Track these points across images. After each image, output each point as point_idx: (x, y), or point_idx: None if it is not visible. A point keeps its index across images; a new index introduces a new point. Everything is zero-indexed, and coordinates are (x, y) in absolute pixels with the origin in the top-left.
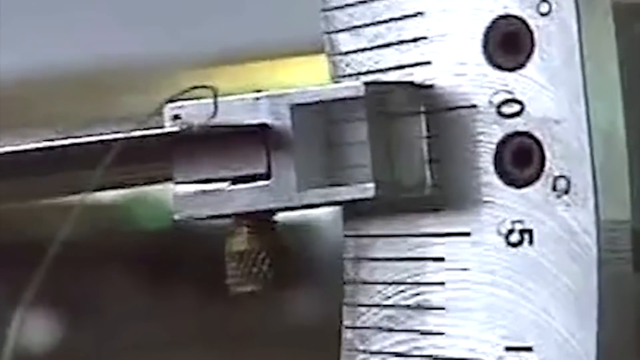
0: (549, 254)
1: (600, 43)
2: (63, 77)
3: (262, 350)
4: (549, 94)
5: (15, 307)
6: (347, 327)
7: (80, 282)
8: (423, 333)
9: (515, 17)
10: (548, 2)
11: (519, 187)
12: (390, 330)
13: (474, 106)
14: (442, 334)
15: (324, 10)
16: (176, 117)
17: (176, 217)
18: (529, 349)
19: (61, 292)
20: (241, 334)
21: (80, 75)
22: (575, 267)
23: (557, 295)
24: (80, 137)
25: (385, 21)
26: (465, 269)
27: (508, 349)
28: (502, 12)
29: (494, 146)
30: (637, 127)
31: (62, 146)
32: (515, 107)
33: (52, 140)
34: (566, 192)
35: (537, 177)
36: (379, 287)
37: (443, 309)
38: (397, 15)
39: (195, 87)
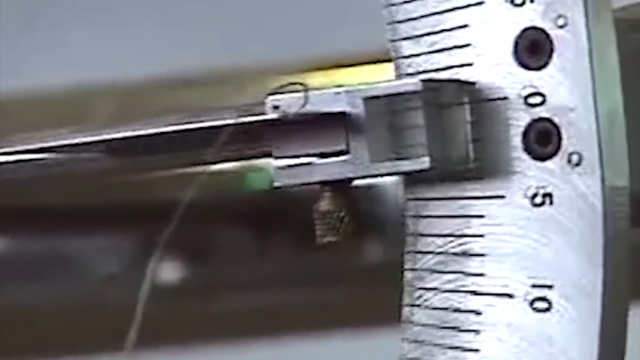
0: (564, 212)
1: (604, 48)
2: (183, 76)
3: (343, 286)
4: (565, 88)
5: (150, 255)
6: (407, 270)
7: (201, 234)
8: (467, 274)
9: (539, 28)
10: (564, 17)
11: (541, 160)
12: (441, 272)
13: (506, 98)
14: (482, 274)
15: (390, 23)
16: (275, 107)
17: (276, 184)
18: (550, 286)
19: (186, 242)
20: (326, 274)
21: (200, 75)
22: (585, 223)
23: (570, 244)
24: (201, 122)
25: (439, 32)
26: (499, 224)
27: (534, 286)
28: (528, 25)
29: (522, 129)
30: (631, 114)
31: (187, 130)
32: (539, 99)
33: (178, 124)
34: (578, 164)
35: (555, 152)
36: (433, 239)
37: (482, 255)
38: (448, 27)
39: (291, 84)
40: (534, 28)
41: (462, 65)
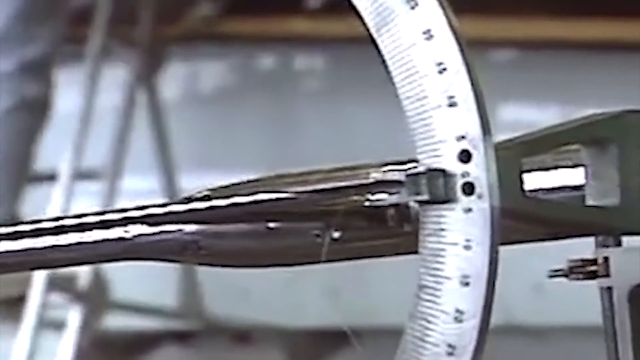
0: (477, 215)
1: (490, 158)
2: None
3: (400, 238)
4: (477, 169)
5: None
6: (421, 235)
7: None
8: (441, 236)
9: (466, 150)
10: (476, 146)
11: (468, 196)
12: (432, 235)
13: (455, 175)
14: (445, 237)
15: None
16: (374, 177)
17: (374, 204)
18: (470, 239)
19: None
20: (394, 234)
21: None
22: (483, 218)
23: (478, 225)
24: (348, 182)
25: (430, 151)
26: (454, 219)
27: (465, 240)
28: (463, 148)
29: (461, 184)
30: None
31: (346, 186)
32: (468, 173)
33: (343, 183)
34: (480, 197)
35: (472, 193)
36: (429, 224)
37: (446, 230)
38: (433, 148)
39: (380, 170)
40: (465, 150)
41: (438, 163)
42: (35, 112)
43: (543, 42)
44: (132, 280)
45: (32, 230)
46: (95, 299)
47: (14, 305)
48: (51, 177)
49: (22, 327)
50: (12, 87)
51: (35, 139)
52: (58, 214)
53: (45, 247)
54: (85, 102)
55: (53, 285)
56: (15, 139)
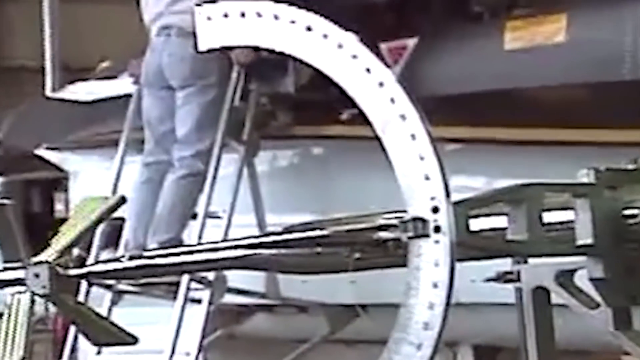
0: (442, 245)
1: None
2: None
3: (398, 256)
4: (443, 217)
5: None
6: (409, 257)
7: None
8: (420, 258)
9: (436, 206)
10: (441, 203)
11: (437, 233)
12: (416, 256)
13: (428, 220)
14: (421, 259)
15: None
16: (381, 222)
17: (379, 239)
18: (437, 259)
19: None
20: (395, 256)
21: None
22: (446, 247)
23: (442, 251)
24: (356, 226)
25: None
26: (428, 246)
27: (436, 259)
28: (434, 205)
29: (433, 227)
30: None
31: (356, 229)
32: (437, 220)
33: (357, 225)
34: (444, 234)
35: (440, 231)
36: (415, 250)
37: (422, 254)
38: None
39: (383, 217)
40: (435, 206)
41: (418, 213)
42: (199, 180)
43: (477, 140)
44: (239, 275)
45: (186, 252)
46: (218, 286)
47: (172, 287)
48: (194, 216)
49: (177, 301)
50: (188, 165)
51: (197, 195)
52: (196, 240)
53: (191, 261)
54: (212, 172)
55: (194, 277)
56: (185, 194)
